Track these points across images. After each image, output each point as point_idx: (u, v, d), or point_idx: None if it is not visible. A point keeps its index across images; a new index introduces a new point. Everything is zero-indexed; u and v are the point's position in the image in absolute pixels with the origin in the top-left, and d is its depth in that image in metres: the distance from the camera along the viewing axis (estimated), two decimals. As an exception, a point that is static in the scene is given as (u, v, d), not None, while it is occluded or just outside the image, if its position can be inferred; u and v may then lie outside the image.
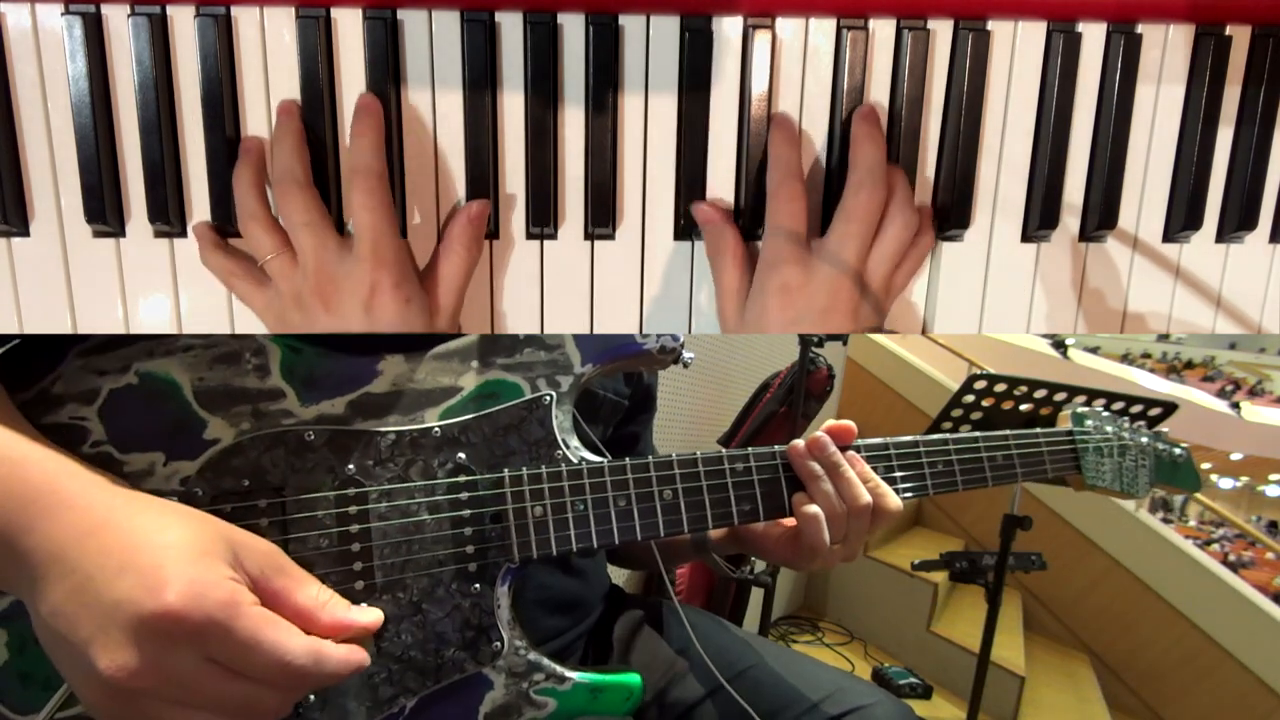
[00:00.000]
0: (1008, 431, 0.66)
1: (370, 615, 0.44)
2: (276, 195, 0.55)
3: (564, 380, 0.54)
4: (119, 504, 0.39)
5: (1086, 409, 0.75)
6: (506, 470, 0.51)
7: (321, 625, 0.41)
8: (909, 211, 0.57)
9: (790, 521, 0.59)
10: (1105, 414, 0.76)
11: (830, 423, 0.59)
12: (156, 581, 0.35)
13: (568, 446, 0.53)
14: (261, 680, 0.37)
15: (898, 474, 0.60)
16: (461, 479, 0.50)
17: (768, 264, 0.57)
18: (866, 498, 0.56)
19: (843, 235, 0.56)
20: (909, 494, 0.60)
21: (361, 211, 0.54)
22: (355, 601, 0.46)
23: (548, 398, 0.53)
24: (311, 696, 0.46)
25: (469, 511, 0.50)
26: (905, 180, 0.59)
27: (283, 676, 0.37)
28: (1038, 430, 0.69)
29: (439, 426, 0.51)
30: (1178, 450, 0.80)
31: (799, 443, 0.57)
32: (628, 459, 0.53)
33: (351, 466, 0.49)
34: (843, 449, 0.58)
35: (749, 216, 0.60)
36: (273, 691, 0.38)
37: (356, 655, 0.41)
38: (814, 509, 0.55)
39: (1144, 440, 0.77)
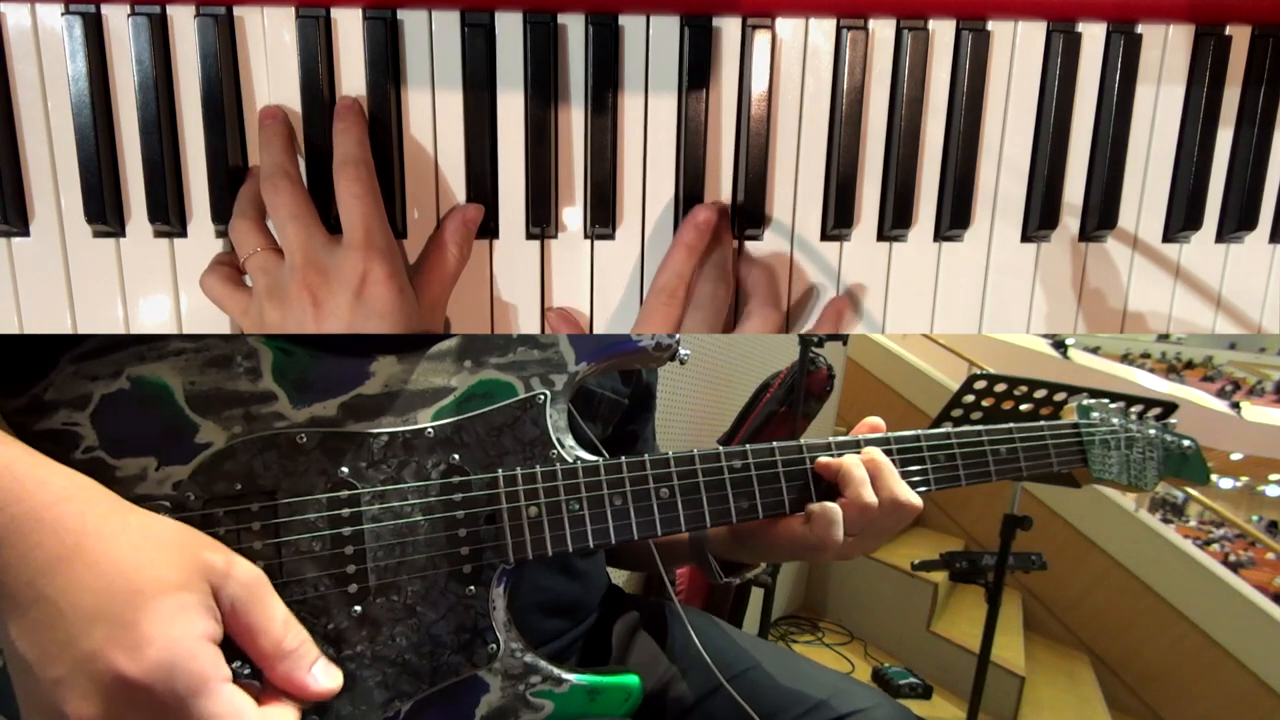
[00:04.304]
0: (1011, 425, 0.65)
1: (329, 681, 0.43)
2: (265, 190, 0.55)
3: (558, 379, 0.54)
4: (92, 524, 0.38)
5: (1093, 401, 0.73)
6: (500, 471, 0.51)
7: (275, 676, 0.40)
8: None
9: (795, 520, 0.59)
10: (1112, 406, 0.74)
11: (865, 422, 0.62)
12: (132, 641, 0.35)
13: (563, 446, 0.53)
14: None
15: (898, 468, 0.59)
16: (455, 480, 0.50)
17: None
18: (900, 494, 0.57)
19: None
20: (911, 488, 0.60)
21: (351, 200, 0.54)
22: (349, 604, 0.46)
23: (541, 397, 0.53)
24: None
25: (463, 513, 0.50)
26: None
27: None
28: (1042, 423, 0.67)
29: (432, 427, 0.51)
30: (1186, 442, 0.78)
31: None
32: (624, 458, 0.53)
33: (344, 469, 0.48)
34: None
35: (745, 216, 0.60)
36: None
37: None
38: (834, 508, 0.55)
39: (1151, 432, 0.75)
